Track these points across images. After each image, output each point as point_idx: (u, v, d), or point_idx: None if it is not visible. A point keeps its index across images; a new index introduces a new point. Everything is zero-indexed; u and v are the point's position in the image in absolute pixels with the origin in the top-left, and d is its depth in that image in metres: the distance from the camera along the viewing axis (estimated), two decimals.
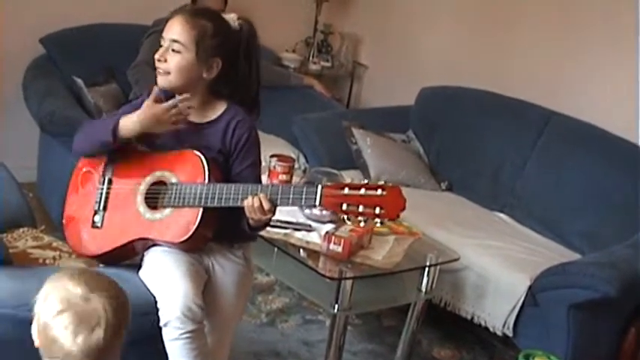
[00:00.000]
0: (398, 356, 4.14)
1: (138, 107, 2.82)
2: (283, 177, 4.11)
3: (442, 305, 4.30)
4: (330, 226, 3.75)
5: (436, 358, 4.35)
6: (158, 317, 2.64)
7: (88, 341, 1.87)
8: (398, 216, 2.57)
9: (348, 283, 3.57)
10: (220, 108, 2.87)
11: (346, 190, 2.54)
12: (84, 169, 2.99)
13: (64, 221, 3.02)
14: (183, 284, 2.65)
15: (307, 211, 3.86)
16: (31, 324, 2.42)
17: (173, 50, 2.74)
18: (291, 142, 5.40)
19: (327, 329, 4.05)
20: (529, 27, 5.38)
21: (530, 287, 3.99)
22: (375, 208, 2.51)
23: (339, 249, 3.61)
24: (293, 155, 4.73)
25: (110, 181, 2.91)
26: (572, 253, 4.47)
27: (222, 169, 2.81)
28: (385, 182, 2.57)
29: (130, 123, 2.76)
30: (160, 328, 2.65)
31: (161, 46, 2.77)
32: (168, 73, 2.76)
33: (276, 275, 4.38)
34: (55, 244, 3.19)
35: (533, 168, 4.95)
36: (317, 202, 2.57)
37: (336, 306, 3.60)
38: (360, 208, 2.52)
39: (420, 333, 4.19)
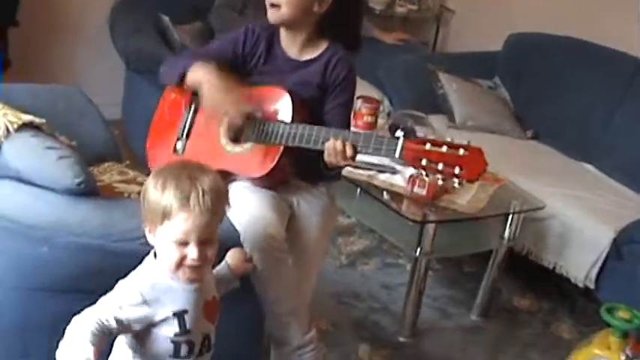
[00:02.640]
0: (477, 303, 4.12)
1: (231, 41, 2.82)
2: (368, 119, 4.09)
3: (524, 254, 4.25)
4: (414, 170, 3.71)
5: (516, 307, 4.31)
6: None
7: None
8: (477, 178, 2.52)
9: (431, 226, 3.56)
10: (322, 46, 2.84)
11: (428, 146, 2.48)
12: (172, 96, 2.98)
13: (147, 145, 3.02)
14: (267, 215, 2.64)
15: None
16: (117, 255, 2.47)
17: None
18: (376, 85, 5.35)
19: (407, 273, 4.04)
20: None
21: (614, 240, 3.92)
22: (454, 168, 2.45)
23: (423, 192, 3.59)
24: (377, 97, 4.69)
25: (196, 110, 2.90)
26: None
27: (314, 108, 2.79)
28: (468, 142, 2.51)
29: (198, 77, 2.73)
30: None
31: None
32: (279, 6, 2.73)
33: (358, 217, 4.37)
34: (139, 179, 3.19)
35: (623, 119, 4.82)
36: (397, 155, 2.52)
37: (418, 249, 3.59)
38: (440, 166, 2.46)
39: (500, 281, 4.16)
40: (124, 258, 2.47)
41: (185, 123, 2.91)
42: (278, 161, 2.70)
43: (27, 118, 2.56)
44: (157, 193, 2.02)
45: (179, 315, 2.08)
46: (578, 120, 5.01)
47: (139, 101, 4.79)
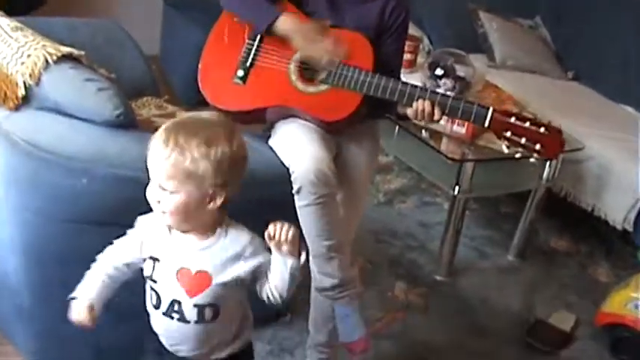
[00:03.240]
0: (514, 244, 4.11)
1: None
2: (408, 56, 4.06)
3: (562, 196, 4.22)
4: None
5: (553, 248, 4.30)
6: (290, 186, 2.63)
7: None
8: (555, 156, 2.57)
9: (470, 165, 3.54)
10: None
11: (513, 119, 2.53)
12: (235, 19, 2.88)
13: (200, 67, 2.91)
14: (317, 150, 2.61)
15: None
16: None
17: None
18: (415, 23, 5.29)
19: (444, 212, 4.03)
20: None
21: None
22: (535, 144, 2.51)
23: (463, 131, 3.57)
24: (417, 35, 4.64)
25: (262, 39, 2.82)
26: None
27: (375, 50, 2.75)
28: (549, 122, 2.56)
29: (287, 29, 2.68)
30: (290, 198, 2.64)
31: None
32: None
33: (397, 154, 4.35)
34: (177, 114, 3.19)
35: None
36: (487, 124, 2.55)
37: (457, 188, 3.57)
38: (523, 140, 2.53)
39: (537, 222, 4.14)
40: None
41: (249, 51, 2.82)
42: (357, 109, 2.68)
43: (66, 49, 2.54)
44: (167, 145, 1.90)
45: (153, 260, 2.02)
46: (620, 62, 4.95)
47: (177, 37, 4.78)
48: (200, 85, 2.87)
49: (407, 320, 3.45)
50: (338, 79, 2.67)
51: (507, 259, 4.09)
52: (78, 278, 2.56)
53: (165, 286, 2.01)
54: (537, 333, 3.48)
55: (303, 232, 2.62)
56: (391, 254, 3.88)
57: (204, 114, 2.02)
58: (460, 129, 3.56)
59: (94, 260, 2.54)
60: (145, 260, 2.05)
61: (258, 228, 2.73)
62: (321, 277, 2.68)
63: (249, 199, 2.79)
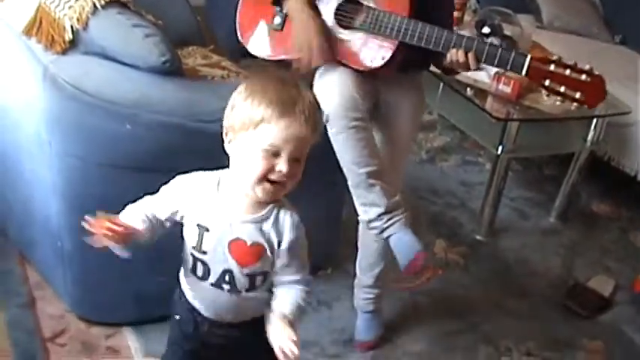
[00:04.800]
0: (556, 206, 4.09)
1: None
2: (455, 13, 3.99)
3: (606, 160, 4.18)
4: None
5: (594, 212, 4.26)
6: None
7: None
8: (596, 105, 2.50)
9: (514, 125, 3.51)
10: None
11: (552, 67, 2.44)
12: None
13: (238, 17, 2.88)
14: (343, 78, 2.58)
15: None
16: (198, 135, 2.47)
17: None
18: None
19: (486, 172, 4.01)
20: None
21: None
22: (576, 92, 2.42)
23: (508, 90, 3.53)
24: None
25: None
26: None
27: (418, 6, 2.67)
28: (591, 68, 2.45)
29: (291, 9, 2.68)
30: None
31: None
32: None
33: (441, 112, 4.32)
34: (223, 64, 3.18)
35: None
36: (524, 72, 2.47)
37: (500, 147, 3.54)
38: (562, 89, 2.44)
39: (580, 186, 4.11)
40: (204, 138, 2.47)
41: None
42: (392, 57, 2.61)
43: None
44: (256, 98, 1.80)
45: (200, 228, 1.93)
46: None
47: None
48: (240, 35, 2.85)
49: (446, 278, 3.45)
50: (373, 26, 2.61)
51: (548, 221, 4.07)
52: None
53: (217, 256, 1.94)
54: (576, 296, 3.46)
55: (340, 164, 2.62)
56: (432, 211, 3.87)
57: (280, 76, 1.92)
58: (506, 88, 3.52)
59: None
60: (183, 226, 1.98)
61: (306, 181, 2.73)
62: (365, 208, 2.66)
63: None
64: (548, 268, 3.67)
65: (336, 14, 2.68)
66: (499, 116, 3.51)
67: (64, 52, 2.50)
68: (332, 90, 2.55)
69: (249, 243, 1.91)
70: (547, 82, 2.46)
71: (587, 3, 5.19)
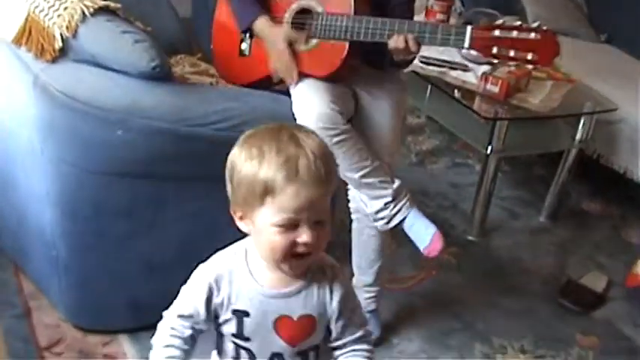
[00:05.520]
0: (546, 205, 4.11)
1: None
2: (440, 16, 4.03)
3: (595, 158, 4.20)
4: (486, 68, 3.68)
5: (584, 211, 4.28)
6: None
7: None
8: (550, 63, 2.44)
9: (503, 124, 3.52)
10: None
11: (497, 32, 2.39)
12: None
13: (212, 44, 3.03)
14: (315, 97, 2.59)
15: (464, 51, 3.78)
16: (191, 139, 2.48)
17: None
18: None
19: (476, 174, 4.03)
20: None
21: None
22: (527, 53, 2.36)
23: (496, 89, 3.55)
24: None
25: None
26: None
27: (374, 2, 2.71)
28: (539, 25, 2.39)
29: (262, 34, 2.75)
30: None
31: None
32: None
33: (429, 114, 4.35)
34: (211, 71, 3.19)
35: None
36: (466, 44, 2.43)
37: (489, 147, 3.56)
38: (512, 53, 2.38)
39: (569, 184, 4.12)
40: (197, 143, 2.50)
41: None
42: (345, 59, 2.64)
43: (103, 2, 2.54)
44: (253, 163, 1.57)
45: (238, 315, 1.71)
46: None
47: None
48: (215, 66, 2.99)
49: (439, 279, 3.46)
50: (322, 31, 2.65)
51: (539, 221, 4.09)
52: (113, 228, 2.60)
53: (263, 341, 1.73)
54: (569, 293, 3.48)
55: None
56: (423, 213, 3.86)
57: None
58: (493, 88, 3.54)
59: (128, 211, 2.58)
60: (218, 316, 1.76)
61: None
62: (371, 202, 2.70)
63: None
64: (540, 266, 3.69)
65: (292, 26, 2.73)
66: (487, 116, 3.53)
67: (54, 60, 2.50)
68: (309, 112, 2.56)
69: (295, 317, 1.71)
70: (495, 50, 2.40)
71: (571, 3, 5.22)
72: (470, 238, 3.80)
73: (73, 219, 2.60)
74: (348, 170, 2.62)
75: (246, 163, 1.59)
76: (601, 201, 4.37)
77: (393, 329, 3.10)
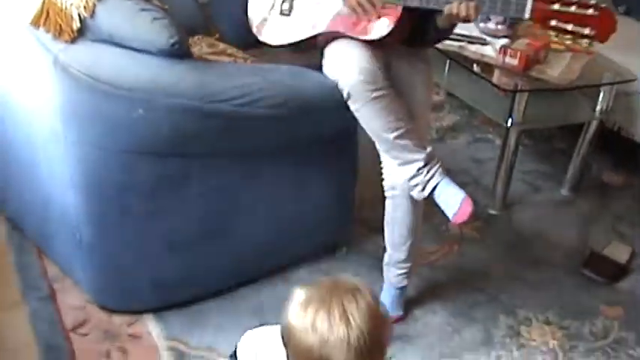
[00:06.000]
0: (567, 178, 4.08)
1: None
2: None
3: (615, 130, 4.17)
4: (505, 41, 3.66)
5: (605, 183, 4.26)
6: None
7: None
8: (607, 39, 2.43)
9: (523, 96, 3.50)
10: None
11: (557, 6, 2.39)
12: None
13: (248, 7, 3.01)
14: (358, 53, 2.60)
15: (482, 24, 3.77)
16: (212, 116, 2.48)
17: None
18: None
19: (496, 148, 4.01)
20: None
21: None
22: (584, 28, 2.37)
23: (515, 62, 3.53)
24: None
25: None
26: None
27: None
28: (596, 2, 2.38)
29: None
30: (351, 124, 2.68)
31: None
32: None
33: (449, 89, 4.32)
34: (229, 51, 3.18)
35: None
36: (527, 15, 2.43)
37: (510, 120, 3.54)
38: (570, 27, 2.39)
39: (590, 157, 4.09)
40: (219, 119, 2.50)
41: None
42: (397, 23, 2.62)
43: None
44: (307, 337, 1.60)
45: None
46: None
47: None
48: (251, 24, 2.95)
49: (462, 253, 3.46)
50: None
51: (561, 193, 4.07)
52: (136, 207, 2.62)
53: None
54: (593, 265, 3.46)
55: (368, 133, 2.67)
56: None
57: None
58: (512, 60, 3.52)
59: (152, 190, 2.59)
60: None
61: (319, 161, 2.75)
62: (403, 168, 2.70)
63: (312, 130, 2.82)
64: (563, 238, 3.67)
65: None
66: (507, 88, 3.51)
67: (72, 40, 2.50)
68: (349, 65, 2.57)
69: None
70: (553, 23, 2.40)
71: None
72: (492, 212, 3.79)
73: (96, 200, 2.61)
74: (383, 130, 2.62)
75: (300, 334, 1.61)
76: (622, 172, 4.34)
77: (417, 302, 3.11)
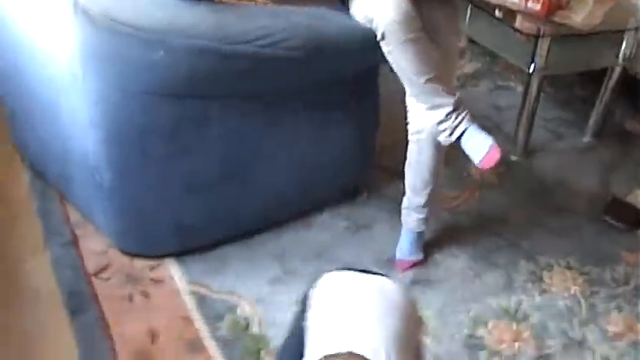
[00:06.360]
0: (590, 125, 4.06)
1: None
2: None
3: (638, 77, 4.13)
4: None
5: (628, 131, 4.23)
6: (376, 50, 2.63)
7: None
8: None
9: (545, 42, 3.47)
10: None
11: None
12: None
13: None
14: (397, 5, 2.56)
15: None
16: (232, 57, 2.47)
17: None
18: None
19: (518, 96, 3.98)
20: None
21: None
22: None
23: (537, 7, 3.49)
24: None
25: None
26: None
27: None
28: None
29: None
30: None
31: None
32: None
33: (470, 35, 4.28)
34: None
35: None
36: None
37: (532, 66, 3.51)
38: None
39: (613, 104, 4.06)
40: (239, 61, 2.49)
41: None
42: None
43: None
44: None
45: None
46: None
47: None
48: None
49: (483, 199, 3.45)
50: None
51: (582, 141, 4.04)
52: (157, 149, 2.62)
53: None
54: (614, 211, 3.45)
55: (399, 75, 2.65)
56: None
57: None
58: (535, 5, 3.48)
59: (172, 132, 2.59)
60: None
61: (341, 104, 2.73)
62: (431, 112, 2.70)
63: (333, 72, 2.80)
64: (584, 185, 3.66)
65: None
66: (530, 33, 3.48)
67: None
68: (387, 5, 2.55)
69: None
70: None
71: None
72: (514, 158, 3.77)
73: (116, 142, 2.61)
74: (414, 73, 2.61)
75: None
76: None
77: (438, 247, 3.12)
